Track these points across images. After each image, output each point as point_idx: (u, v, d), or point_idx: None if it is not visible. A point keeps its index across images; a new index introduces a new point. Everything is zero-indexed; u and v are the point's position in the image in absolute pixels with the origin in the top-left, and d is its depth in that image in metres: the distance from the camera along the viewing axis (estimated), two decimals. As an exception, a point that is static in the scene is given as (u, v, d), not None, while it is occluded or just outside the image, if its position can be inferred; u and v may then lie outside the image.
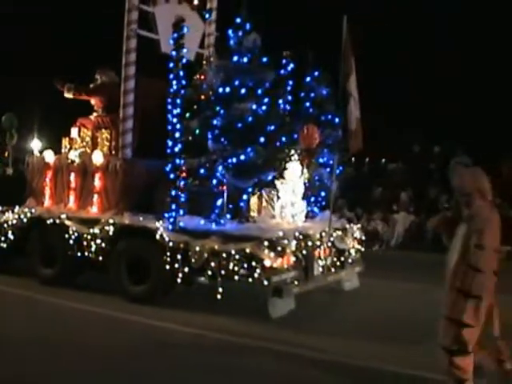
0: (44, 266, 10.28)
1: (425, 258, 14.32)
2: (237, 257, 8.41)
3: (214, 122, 8.88)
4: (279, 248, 8.36)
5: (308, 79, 10.70)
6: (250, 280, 8.36)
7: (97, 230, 9.64)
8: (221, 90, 8.84)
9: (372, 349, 7.20)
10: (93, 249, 9.68)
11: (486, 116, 22.48)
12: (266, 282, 8.28)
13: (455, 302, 5.30)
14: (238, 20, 9.10)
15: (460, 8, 22.25)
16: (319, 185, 10.44)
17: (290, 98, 10.96)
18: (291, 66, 11.05)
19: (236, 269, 8.42)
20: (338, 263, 9.98)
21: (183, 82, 9.12)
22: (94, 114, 10.90)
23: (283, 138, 9.15)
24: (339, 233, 9.99)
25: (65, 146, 10.71)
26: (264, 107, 8.90)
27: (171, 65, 9.12)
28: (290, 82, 11.10)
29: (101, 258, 9.67)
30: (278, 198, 9.80)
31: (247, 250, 8.37)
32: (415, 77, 23.49)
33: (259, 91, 8.89)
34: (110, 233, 9.55)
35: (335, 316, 8.96)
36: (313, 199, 10.53)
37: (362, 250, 10.78)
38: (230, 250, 8.46)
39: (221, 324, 8.22)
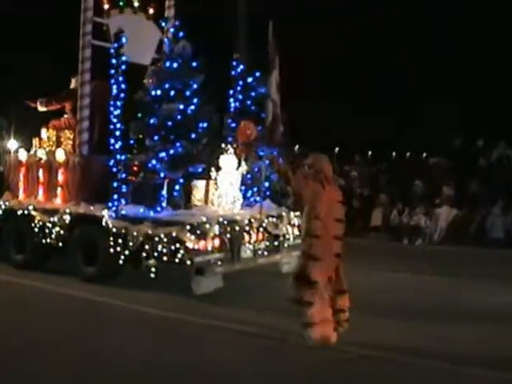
0: (16, 252, 11.66)
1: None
2: (165, 240, 9.62)
3: (151, 121, 10.09)
4: (201, 232, 9.51)
5: (250, 79, 11.77)
6: (177, 260, 9.54)
7: (56, 219, 10.99)
8: (153, 92, 10.05)
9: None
10: (53, 235, 11.03)
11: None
12: (188, 262, 9.45)
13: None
14: (172, 30, 10.32)
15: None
16: (260, 176, 11.49)
17: (240, 96, 12.06)
18: (241, 67, 12.17)
19: (165, 251, 9.62)
20: (273, 247, 11.03)
21: (123, 86, 10.36)
22: (65, 115, 12.23)
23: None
24: (273, 219, 11.06)
25: (35, 145, 12.08)
26: (192, 107, 10.04)
27: (112, 71, 10.37)
28: (241, 82, 12.19)
29: (60, 244, 11.00)
30: (217, 188, 10.93)
31: (173, 234, 9.57)
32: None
33: (187, 93, 10.05)
34: (67, 221, 10.87)
35: (269, 295, 9.96)
36: (256, 189, 11.57)
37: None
38: (160, 234, 9.67)
39: (156, 300, 9.43)
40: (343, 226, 7.31)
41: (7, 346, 7.10)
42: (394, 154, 24.51)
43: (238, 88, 12.14)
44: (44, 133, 12.07)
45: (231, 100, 12.08)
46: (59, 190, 11.43)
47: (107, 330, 7.99)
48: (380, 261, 13.93)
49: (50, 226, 11.07)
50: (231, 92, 12.11)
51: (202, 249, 9.55)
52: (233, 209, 10.80)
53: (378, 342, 7.31)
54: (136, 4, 11.93)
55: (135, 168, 10.59)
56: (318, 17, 23.83)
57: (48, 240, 11.13)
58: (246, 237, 10.46)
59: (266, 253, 10.89)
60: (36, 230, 11.23)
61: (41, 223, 11.20)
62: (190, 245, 9.44)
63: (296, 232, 11.54)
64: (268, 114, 10.53)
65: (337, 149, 25.29)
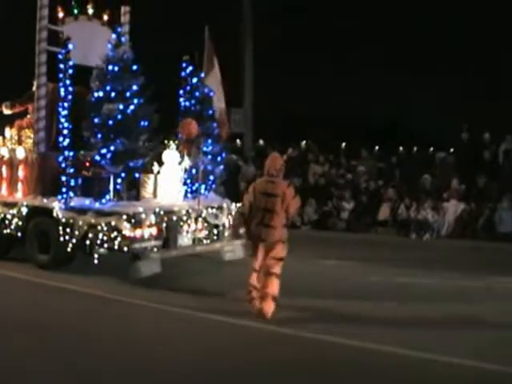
0: (-19, 242, 12.81)
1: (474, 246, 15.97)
2: (105, 229, 10.70)
3: (95, 120, 11.17)
4: (137, 221, 10.57)
5: (195, 80, 12.80)
6: (116, 247, 10.62)
7: (15, 211, 12.11)
8: (96, 93, 11.14)
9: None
10: (13, 226, 12.15)
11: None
12: (126, 249, 10.53)
13: None
14: (114, 36, 11.41)
15: None
16: (204, 170, 12.53)
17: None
18: (190, 68, 13.18)
19: (105, 238, 10.70)
20: (213, 236, 12.06)
21: (70, 89, 11.46)
22: (28, 116, 13.33)
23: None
24: (213, 210, 12.09)
25: (-1, 144, 13.23)
26: (132, 107, 11.10)
27: (60, 75, 11.48)
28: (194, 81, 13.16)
29: (19, 234, 12.12)
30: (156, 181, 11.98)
31: (112, 223, 10.65)
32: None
33: (128, 94, 11.11)
34: (24, 213, 11.99)
35: (201, 279, 11.11)
36: (200, 182, 12.60)
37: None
38: (101, 223, 10.76)
39: (96, 283, 10.58)
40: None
41: None
42: (401, 148, 24.79)
43: (188, 88, 13.12)
44: (7, 132, 13.19)
45: (181, 99, 13.06)
46: (20, 184, 12.52)
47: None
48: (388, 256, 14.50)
49: (9, 217, 12.18)
50: (181, 92, 13.07)
51: (138, 236, 10.58)
52: (175, 200, 11.82)
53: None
54: (90, 11, 12.98)
55: (84, 163, 11.65)
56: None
57: (8, 230, 12.22)
58: (185, 226, 11.48)
59: (205, 241, 11.91)
60: (-3, 221, 12.35)
61: (2, 215, 12.30)
62: (126, 233, 10.50)
63: (237, 222, 12.53)
64: (216, 108, 11.62)
65: (344, 143, 26.09)
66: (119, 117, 11.00)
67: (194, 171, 12.45)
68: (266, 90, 25.73)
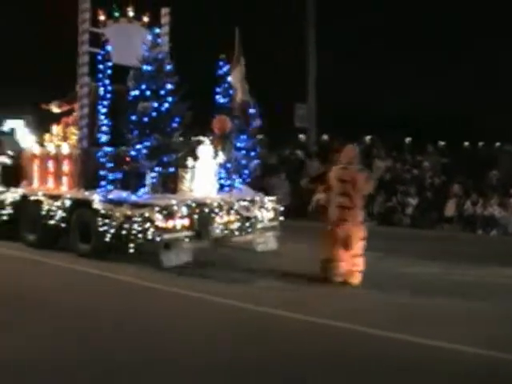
0: (29, 233, 13.73)
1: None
2: (139, 220, 11.43)
3: (132, 117, 11.91)
4: (168, 212, 11.26)
5: (230, 78, 13.42)
6: (149, 237, 11.33)
7: (59, 203, 12.98)
8: (132, 92, 11.88)
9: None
10: (58, 218, 13.03)
11: None
12: (158, 239, 11.22)
13: None
14: (149, 37, 12.13)
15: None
16: (239, 164, 13.16)
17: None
18: (227, 67, 13.81)
19: (140, 229, 11.43)
20: (245, 228, 12.66)
21: (109, 88, 12.24)
22: (74, 114, 14.21)
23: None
24: (245, 203, 12.69)
25: (46, 140, 14.15)
26: (166, 104, 11.80)
27: (99, 75, 12.28)
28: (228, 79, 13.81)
29: (63, 225, 12.99)
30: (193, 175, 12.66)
31: (146, 215, 11.36)
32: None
33: (162, 92, 11.81)
34: (67, 205, 12.85)
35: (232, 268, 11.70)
36: (235, 176, 13.23)
37: (280, 219, 13.41)
38: (136, 215, 11.50)
39: (132, 271, 11.30)
40: None
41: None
42: (466, 143, 24.86)
43: (224, 85, 13.74)
44: (54, 128, 14.10)
45: (218, 97, 13.70)
46: (65, 178, 13.41)
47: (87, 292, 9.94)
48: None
49: (55, 209, 13.06)
50: (217, 89, 13.71)
51: (170, 227, 11.27)
52: (208, 193, 12.47)
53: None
54: (131, 14, 13.74)
55: (123, 158, 12.42)
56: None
57: (54, 222, 13.11)
58: (217, 218, 12.10)
59: (237, 233, 12.51)
60: (44, 213, 13.24)
61: (47, 207, 13.20)
62: (159, 223, 11.19)
63: (270, 215, 13.13)
64: (236, 103, 12.26)
65: (409, 138, 26.16)
66: (153, 114, 11.69)
67: (228, 165, 13.02)
68: (331, 84, 25.98)
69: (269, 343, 7.39)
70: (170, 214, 11.25)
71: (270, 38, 26.12)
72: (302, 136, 26.20)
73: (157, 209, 11.23)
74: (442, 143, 24.83)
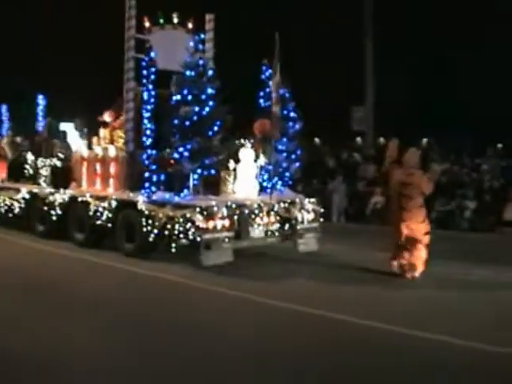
0: (78, 232, 14.32)
1: None
2: (181, 220, 11.86)
3: (174, 121, 12.36)
4: (209, 213, 11.65)
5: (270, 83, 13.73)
6: (190, 237, 11.74)
7: (106, 204, 13.52)
8: (174, 97, 12.33)
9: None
10: (104, 218, 13.57)
11: None
12: (198, 239, 11.62)
13: None
14: (191, 43, 12.57)
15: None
16: (280, 167, 13.47)
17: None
18: (269, 71, 14.13)
19: (181, 229, 11.85)
20: (284, 229, 12.97)
21: (152, 93, 12.72)
22: (121, 117, 14.75)
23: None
24: (285, 205, 12.99)
25: (94, 143, 14.72)
26: (207, 109, 12.20)
27: (144, 80, 12.77)
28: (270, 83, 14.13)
29: (109, 225, 13.52)
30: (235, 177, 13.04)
31: (187, 215, 11.78)
32: None
33: (203, 97, 12.22)
34: (113, 206, 13.37)
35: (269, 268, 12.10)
36: (276, 178, 13.54)
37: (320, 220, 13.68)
38: (178, 215, 11.93)
39: (174, 269, 11.80)
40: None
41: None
42: None
43: (267, 90, 14.05)
44: (101, 132, 14.67)
45: (261, 100, 14.03)
46: (111, 180, 13.95)
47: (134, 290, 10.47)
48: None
49: (101, 210, 13.60)
50: (261, 93, 14.04)
51: (210, 228, 11.65)
52: (249, 195, 12.82)
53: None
54: (175, 20, 14.21)
55: (166, 161, 12.87)
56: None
57: (101, 222, 13.65)
58: (257, 219, 12.44)
59: (277, 233, 12.83)
60: (91, 213, 13.80)
61: (94, 208, 13.75)
62: (199, 224, 11.59)
63: (311, 216, 13.39)
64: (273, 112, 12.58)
65: (467, 142, 25.81)
66: (195, 118, 12.10)
67: (269, 168, 13.33)
68: (388, 87, 25.98)
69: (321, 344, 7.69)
70: (210, 215, 11.62)
71: (328, 40, 26.33)
72: (358, 139, 26.14)
73: (197, 210, 11.62)
74: (500, 146, 24.55)
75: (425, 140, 23.59)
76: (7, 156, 18.16)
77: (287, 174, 13.77)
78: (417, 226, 10.93)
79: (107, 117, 14.83)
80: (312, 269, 11.99)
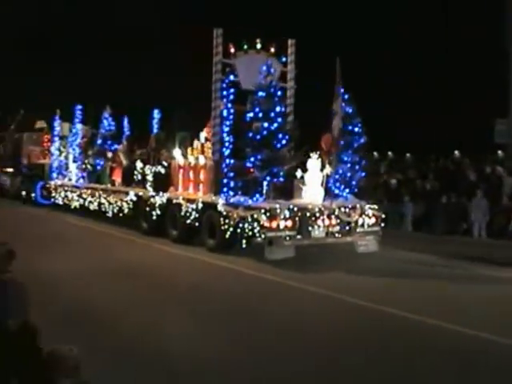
0: (173, 229, 17.18)
1: None
2: (250, 220, 14.35)
3: (249, 135, 14.90)
4: (271, 214, 14.04)
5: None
6: (257, 235, 14.19)
7: (194, 206, 16.27)
8: (248, 114, 14.89)
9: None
10: (192, 217, 16.31)
11: None
12: (263, 236, 14.06)
13: None
14: (264, 67, 15.06)
15: None
16: (345, 176, 15.64)
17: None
18: (342, 90, 16.34)
19: (250, 227, 14.34)
20: (345, 231, 15.11)
21: (231, 111, 15.33)
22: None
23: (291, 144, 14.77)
24: (345, 209, 15.13)
25: (189, 153, 17.55)
26: (275, 124, 14.64)
27: (224, 100, 15.42)
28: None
29: (197, 224, 16.25)
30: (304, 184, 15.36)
31: (254, 216, 14.25)
32: None
33: (272, 114, 14.67)
34: (199, 207, 16.08)
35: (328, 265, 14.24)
36: (343, 186, 15.71)
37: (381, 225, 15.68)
38: (247, 216, 14.44)
39: (245, 262, 14.27)
40: None
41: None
42: None
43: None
44: (195, 143, 17.48)
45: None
46: (201, 185, 16.70)
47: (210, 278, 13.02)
48: None
49: (190, 211, 16.36)
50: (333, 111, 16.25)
51: (273, 227, 14.03)
52: (313, 200, 15.08)
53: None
54: (258, 46, 16.74)
55: (243, 169, 15.41)
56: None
57: (190, 221, 16.40)
58: (318, 221, 14.66)
59: (337, 235, 14.99)
60: (182, 214, 16.59)
61: (185, 209, 16.53)
62: (264, 223, 14.01)
63: (371, 221, 15.43)
64: (335, 127, 14.78)
65: None
66: (264, 133, 14.56)
67: (335, 177, 15.52)
68: None
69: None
70: (273, 216, 13.97)
71: (470, 51, 27.44)
72: (500, 152, 24.71)
73: (262, 211, 14.03)
74: None
75: None
76: (122, 163, 21.46)
77: (353, 182, 15.85)
78: None
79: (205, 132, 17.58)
80: (371, 267, 13.97)
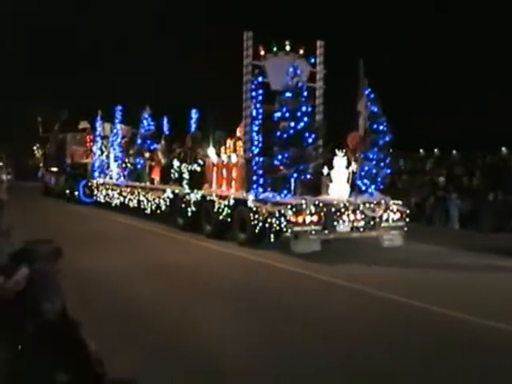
0: (207, 225, 18.15)
1: None
2: (277, 215, 15.22)
3: (277, 134, 15.77)
4: (297, 210, 14.88)
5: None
6: (284, 229, 15.05)
7: (226, 202, 17.20)
8: (275, 114, 15.75)
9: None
10: (225, 213, 17.25)
11: None
12: (289, 230, 14.91)
13: None
14: (291, 69, 15.91)
15: None
16: (371, 173, 16.39)
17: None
18: (368, 90, 17.09)
19: (277, 222, 15.21)
20: (369, 226, 15.86)
21: (260, 111, 16.22)
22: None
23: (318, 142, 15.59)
24: (370, 205, 15.87)
25: (222, 151, 18.49)
26: (302, 124, 15.48)
27: (253, 100, 16.31)
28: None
29: (229, 219, 17.18)
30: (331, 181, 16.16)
31: (282, 211, 15.12)
32: None
33: (298, 114, 15.52)
34: (231, 203, 17.01)
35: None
36: (368, 183, 16.46)
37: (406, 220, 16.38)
38: (275, 211, 15.31)
39: (274, 255, 15.17)
40: None
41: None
42: None
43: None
44: (228, 142, 18.42)
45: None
46: (233, 182, 17.63)
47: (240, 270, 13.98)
48: None
49: (223, 207, 17.30)
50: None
51: (299, 222, 14.87)
52: (339, 196, 15.87)
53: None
54: (288, 48, 17.59)
55: (271, 167, 16.28)
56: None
57: (222, 217, 17.34)
58: (344, 216, 15.44)
59: (362, 229, 15.75)
60: (215, 210, 17.54)
61: (218, 205, 17.48)
62: (290, 218, 14.86)
63: (396, 216, 16.16)
64: (361, 127, 15.54)
65: None
66: (291, 132, 15.41)
67: (361, 174, 16.29)
68: None
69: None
70: (299, 211, 14.80)
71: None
72: None
73: (289, 206, 14.88)
74: None
75: None
76: (161, 162, 22.52)
77: (378, 179, 16.59)
78: None
79: (238, 131, 18.50)
80: (398, 261, 14.68)
